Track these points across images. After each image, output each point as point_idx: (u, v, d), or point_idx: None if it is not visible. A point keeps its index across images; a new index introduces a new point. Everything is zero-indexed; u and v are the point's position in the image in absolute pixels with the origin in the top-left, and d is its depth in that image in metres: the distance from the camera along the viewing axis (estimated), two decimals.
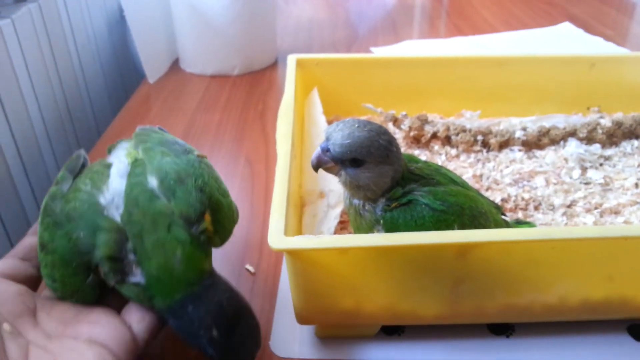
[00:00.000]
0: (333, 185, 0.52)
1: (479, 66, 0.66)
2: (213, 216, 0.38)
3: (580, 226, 0.51)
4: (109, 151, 0.43)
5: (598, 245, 0.38)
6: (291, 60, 0.64)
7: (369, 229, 0.41)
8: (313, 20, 1.16)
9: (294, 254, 0.36)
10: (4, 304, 0.33)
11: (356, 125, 0.40)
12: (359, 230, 0.42)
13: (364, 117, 0.68)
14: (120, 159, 0.40)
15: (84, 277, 0.35)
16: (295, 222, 0.49)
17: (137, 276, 0.34)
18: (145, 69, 0.86)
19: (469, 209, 0.40)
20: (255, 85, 0.86)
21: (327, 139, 0.40)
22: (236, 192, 0.62)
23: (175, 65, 0.93)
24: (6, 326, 0.31)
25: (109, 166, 0.39)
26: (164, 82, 0.88)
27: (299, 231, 0.49)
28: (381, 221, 0.40)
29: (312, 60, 0.65)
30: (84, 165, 0.41)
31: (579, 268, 0.39)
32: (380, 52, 0.97)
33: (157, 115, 0.78)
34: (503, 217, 0.45)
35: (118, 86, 0.96)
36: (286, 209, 0.39)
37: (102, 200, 0.36)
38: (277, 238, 0.36)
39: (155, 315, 0.35)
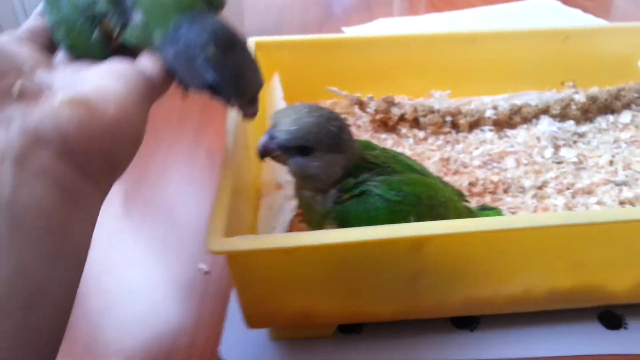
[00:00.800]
0: (290, 176, 0.49)
1: (448, 43, 0.63)
2: None
3: (550, 208, 0.49)
4: None
5: (561, 233, 0.35)
6: (250, 43, 0.61)
7: (321, 222, 0.38)
8: (283, 3, 1.12)
9: (235, 256, 0.34)
10: (20, 56, 0.29)
11: (305, 111, 0.37)
12: (311, 222, 0.40)
13: (329, 102, 0.65)
14: None
15: (91, 33, 0.33)
16: (250, 216, 0.47)
17: (137, 16, 0.33)
18: None
19: (427, 199, 0.38)
20: None
21: (274, 125, 0.37)
22: (196, 184, 0.59)
23: None
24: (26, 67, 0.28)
25: None
26: None
27: (254, 226, 0.46)
28: (333, 214, 0.37)
29: (273, 43, 0.62)
30: None
31: (543, 257, 0.37)
32: (352, 32, 0.93)
33: None
34: (466, 204, 0.43)
35: None
36: (229, 205, 0.36)
37: None
38: (216, 240, 0.33)
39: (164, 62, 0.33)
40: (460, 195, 0.43)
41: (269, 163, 0.51)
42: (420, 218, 0.36)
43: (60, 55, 0.33)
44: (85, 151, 0.26)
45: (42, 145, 0.24)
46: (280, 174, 0.50)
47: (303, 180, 0.39)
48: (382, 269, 0.36)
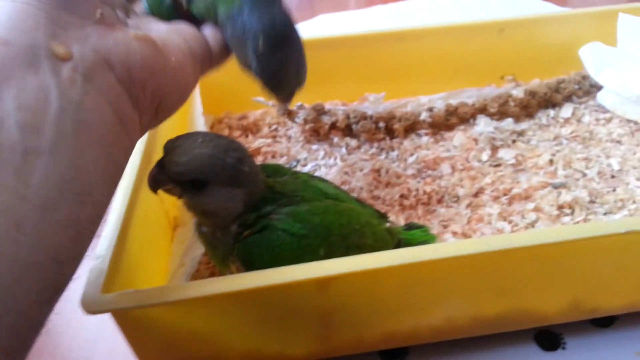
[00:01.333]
0: None
1: (379, 43, 0.60)
2: None
3: (484, 218, 0.46)
4: None
5: (480, 261, 0.32)
6: None
7: (223, 260, 0.35)
8: None
9: (117, 315, 0.30)
10: None
11: (199, 140, 0.34)
12: (214, 260, 0.37)
13: (259, 112, 0.62)
14: None
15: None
16: (163, 250, 0.43)
17: None
18: None
19: (338, 227, 0.34)
20: None
21: (165, 155, 0.33)
22: None
23: None
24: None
25: None
26: None
27: (165, 262, 0.43)
28: (234, 251, 0.34)
29: None
30: None
31: (463, 286, 0.34)
32: None
33: None
34: (389, 225, 0.39)
35: None
36: (121, 247, 0.33)
37: None
38: (91, 297, 0.29)
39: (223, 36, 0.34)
40: (382, 216, 0.40)
41: None
42: (331, 250, 0.33)
43: (140, 7, 0.35)
44: (143, 84, 0.28)
45: (110, 66, 0.26)
46: None
47: (200, 217, 0.35)
48: (288, 311, 0.33)
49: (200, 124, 0.53)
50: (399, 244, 0.38)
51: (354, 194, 0.49)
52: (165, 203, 0.45)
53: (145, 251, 0.39)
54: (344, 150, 0.55)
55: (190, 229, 0.45)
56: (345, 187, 0.50)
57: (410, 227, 0.42)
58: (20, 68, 0.23)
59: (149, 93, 0.29)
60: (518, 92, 0.57)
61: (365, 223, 0.36)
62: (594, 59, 0.59)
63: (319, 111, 0.57)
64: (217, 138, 0.34)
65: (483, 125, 0.55)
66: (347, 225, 0.35)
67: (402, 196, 0.48)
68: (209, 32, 0.34)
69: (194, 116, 0.55)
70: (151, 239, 0.41)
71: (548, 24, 0.61)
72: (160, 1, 0.34)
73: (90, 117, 0.25)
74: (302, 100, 0.59)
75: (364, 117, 0.57)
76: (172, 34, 0.31)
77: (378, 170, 0.51)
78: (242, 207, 0.34)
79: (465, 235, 0.44)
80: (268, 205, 0.34)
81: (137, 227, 0.37)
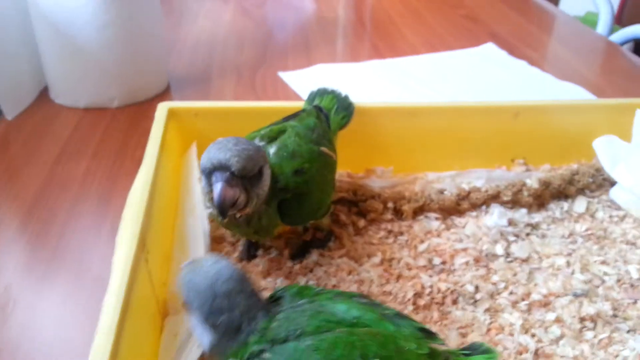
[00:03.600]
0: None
1: (391, 116, 0.57)
2: None
3: (505, 328, 0.42)
4: None
5: None
6: (161, 109, 0.52)
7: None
8: (215, 37, 1.03)
9: None
10: None
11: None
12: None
13: None
14: None
15: None
16: (151, 341, 0.38)
17: None
18: (1, 102, 0.70)
19: None
20: (138, 120, 0.73)
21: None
22: (95, 268, 0.49)
23: (44, 95, 0.78)
24: None
25: None
26: (26, 118, 0.73)
27: (155, 358, 0.37)
28: None
29: (190, 110, 0.53)
30: None
31: None
32: (288, 77, 0.86)
33: (8, 166, 0.63)
34: (438, 347, 0.32)
35: None
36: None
37: None
38: None
39: None
40: (428, 334, 0.33)
41: (177, 266, 0.42)
42: None
43: None
44: None
45: None
46: None
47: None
48: None
49: (197, 191, 0.48)
50: None
51: (364, 288, 0.45)
52: (156, 286, 0.40)
53: (137, 348, 0.34)
54: (351, 229, 0.51)
55: (183, 319, 0.39)
56: (354, 277, 0.45)
57: (471, 350, 0.34)
58: None
59: None
60: (532, 182, 0.55)
61: (394, 351, 0.30)
62: (608, 152, 0.58)
63: None
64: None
65: (497, 216, 0.52)
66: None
67: (415, 294, 0.44)
68: None
69: (188, 178, 0.50)
70: (143, 334, 0.36)
71: (562, 112, 0.60)
72: None
73: None
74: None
75: (372, 195, 0.53)
76: None
77: (390, 262, 0.47)
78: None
79: None
80: (262, 342, 0.30)
81: (131, 321, 0.32)
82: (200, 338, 0.32)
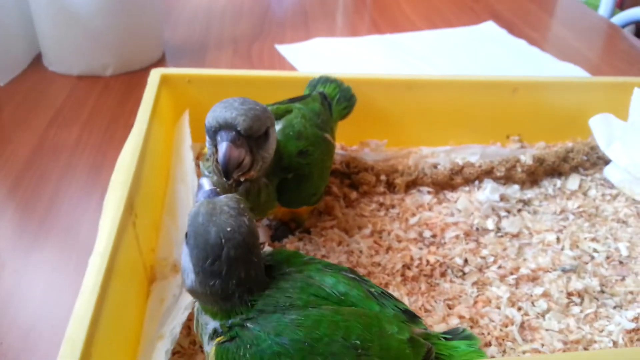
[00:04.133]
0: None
1: (387, 88, 0.56)
2: None
3: (492, 300, 0.42)
4: None
5: None
6: (154, 75, 0.51)
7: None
8: (213, 8, 1.01)
9: None
10: None
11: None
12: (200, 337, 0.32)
13: None
14: None
15: None
16: (137, 306, 0.38)
17: None
18: None
19: (327, 345, 0.28)
20: (131, 89, 0.72)
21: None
22: (83, 236, 0.49)
23: (37, 62, 0.77)
24: None
25: None
26: (19, 84, 0.72)
27: (140, 323, 0.37)
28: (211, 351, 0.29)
29: (183, 77, 0.53)
30: None
31: None
32: (285, 50, 0.85)
33: (1, 129, 0.63)
34: (420, 330, 0.32)
35: None
36: (98, 314, 0.27)
37: None
38: None
39: None
40: (412, 318, 0.33)
41: (167, 235, 0.42)
42: None
43: None
44: None
45: None
46: (178, 252, 0.41)
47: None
48: None
49: (189, 160, 0.48)
50: None
51: (353, 259, 0.44)
52: (143, 251, 0.40)
53: (122, 311, 0.34)
54: (342, 201, 0.51)
55: (170, 285, 0.39)
56: (343, 248, 0.45)
57: (452, 335, 0.34)
58: None
59: None
60: (526, 158, 0.55)
61: (376, 335, 0.29)
62: (604, 130, 0.57)
63: None
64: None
65: (490, 191, 0.52)
66: (341, 341, 0.28)
67: (405, 265, 0.44)
68: None
69: (180, 148, 0.50)
70: (128, 298, 0.36)
71: (561, 89, 0.59)
72: None
73: None
74: None
75: (365, 167, 0.53)
76: None
77: (380, 233, 0.47)
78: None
79: (472, 321, 0.40)
80: (250, 312, 0.29)
81: (116, 283, 0.32)
82: (183, 272, 0.30)
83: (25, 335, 0.40)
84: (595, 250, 0.48)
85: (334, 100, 0.51)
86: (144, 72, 0.76)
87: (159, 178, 0.47)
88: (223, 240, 0.28)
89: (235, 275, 0.29)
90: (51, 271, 0.46)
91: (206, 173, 0.40)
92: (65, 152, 0.60)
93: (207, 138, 0.38)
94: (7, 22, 0.71)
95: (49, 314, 0.42)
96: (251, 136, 0.36)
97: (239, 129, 0.35)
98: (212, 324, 0.30)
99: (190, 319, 0.36)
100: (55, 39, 0.72)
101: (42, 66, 0.76)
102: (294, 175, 0.42)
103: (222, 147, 0.35)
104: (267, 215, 0.45)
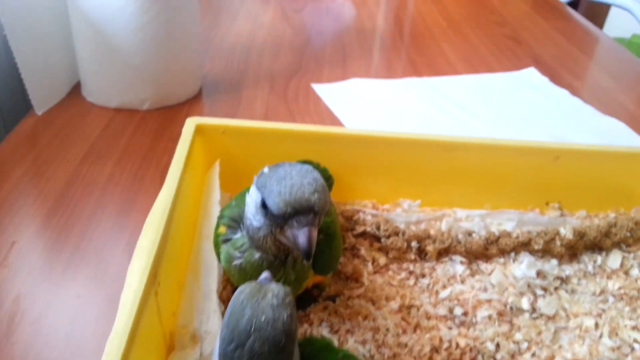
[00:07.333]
0: (211, 325, 0.39)
1: (424, 148, 0.54)
2: None
3: None
4: None
5: None
6: (189, 125, 0.51)
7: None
8: (254, 40, 1.02)
9: None
10: None
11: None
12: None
13: None
14: None
15: None
16: None
17: None
18: (32, 97, 0.70)
19: None
20: (167, 124, 0.72)
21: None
22: (109, 281, 0.48)
23: (76, 91, 0.78)
24: None
25: None
26: (56, 114, 0.73)
27: None
28: None
29: (218, 127, 0.52)
30: None
31: None
32: (321, 90, 0.84)
33: (35, 162, 0.63)
34: None
35: None
36: None
37: None
38: None
39: None
40: None
41: (188, 301, 0.41)
42: None
43: None
44: None
45: None
46: (200, 318, 0.40)
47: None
48: None
49: (216, 208, 0.47)
50: None
51: (379, 337, 0.43)
52: (164, 318, 0.39)
53: None
54: (370, 266, 0.50)
55: (188, 357, 0.38)
56: (369, 323, 0.44)
57: None
58: None
59: None
60: (567, 232, 0.52)
61: None
62: None
63: (348, 218, 0.51)
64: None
65: (526, 266, 0.50)
66: None
67: (432, 349, 0.42)
68: None
69: (208, 200, 0.49)
70: None
71: (605, 159, 0.56)
72: None
73: None
74: (331, 195, 0.53)
75: (396, 232, 0.51)
76: None
77: (409, 308, 0.45)
78: None
79: None
80: None
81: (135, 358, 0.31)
82: (215, 348, 0.29)
83: None
84: (635, 341, 0.45)
85: None
86: (180, 106, 0.77)
87: (185, 236, 0.46)
88: (252, 329, 0.26)
89: None
90: (79, 304, 0.46)
91: (237, 254, 0.38)
92: (97, 189, 0.60)
93: (261, 217, 0.35)
94: (48, 51, 0.72)
95: (74, 347, 0.42)
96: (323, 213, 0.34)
97: (315, 209, 0.33)
98: None
99: None
100: (95, 71, 0.73)
101: (80, 96, 0.77)
102: (324, 236, 0.40)
103: (304, 232, 0.33)
104: (302, 288, 0.42)
